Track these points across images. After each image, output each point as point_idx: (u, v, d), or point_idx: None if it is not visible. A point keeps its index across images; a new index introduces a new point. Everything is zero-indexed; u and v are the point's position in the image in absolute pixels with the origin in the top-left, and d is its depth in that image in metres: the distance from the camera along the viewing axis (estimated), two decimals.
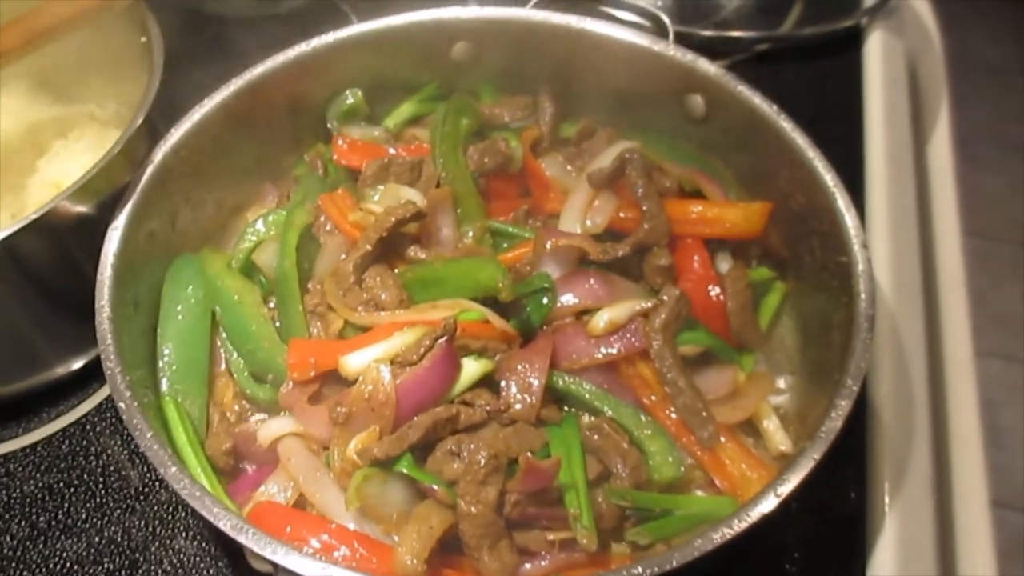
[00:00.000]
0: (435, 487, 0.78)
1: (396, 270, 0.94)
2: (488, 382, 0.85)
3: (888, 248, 1.12)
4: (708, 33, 1.29)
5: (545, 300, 0.90)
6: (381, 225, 0.92)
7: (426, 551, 0.74)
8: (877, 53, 1.35)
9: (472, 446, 0.79)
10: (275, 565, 0.67)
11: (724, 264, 0.97)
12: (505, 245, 0.98)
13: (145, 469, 0.99)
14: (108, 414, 1.04)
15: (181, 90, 0.99)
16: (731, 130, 1.00)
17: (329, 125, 1.07)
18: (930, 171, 1.29)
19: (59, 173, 1.04)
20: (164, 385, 0.87)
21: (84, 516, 0.97)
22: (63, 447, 1.03)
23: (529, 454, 0.78)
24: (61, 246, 0.91)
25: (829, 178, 0.90)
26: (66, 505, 0.98)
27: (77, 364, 1.03)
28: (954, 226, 1.21)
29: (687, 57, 1.00)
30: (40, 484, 1.00)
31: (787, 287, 0.98)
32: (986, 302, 2.74)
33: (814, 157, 0.91)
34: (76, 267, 0.93)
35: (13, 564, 0.95)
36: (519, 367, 0.85)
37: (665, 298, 0.89)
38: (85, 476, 1.00)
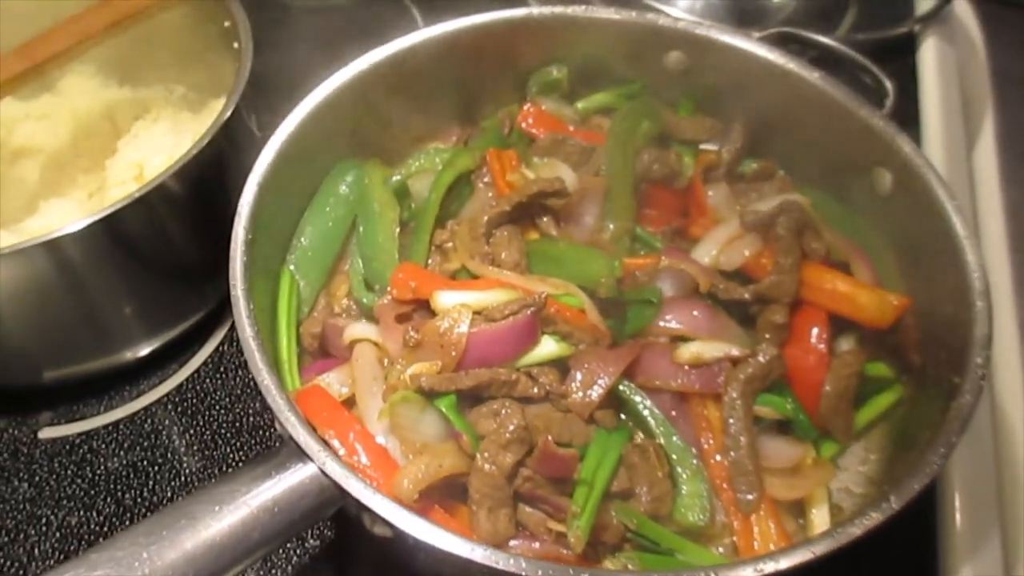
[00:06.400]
0: (463, 434, 0.82)
1: (531, 237, 0.99)
2: (560, 366, 0.87)
3: None
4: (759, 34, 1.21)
5: (647, 313, 0.91)
6: (523, 191, 0.96)
7: (425, 483, 0.78)
8: (932, 60, 1.31)
9: (509, 412, 0.82)
10: (288, 433, 0.74)
11: (845, 345, 0.92)
12: (643, 252, 0.99)
13: (228, 450, 1.02)
14: (189, 394, 1.07)
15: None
16: (909, 217, 0.94)
17: (528, 91, 1.12)
18: (976, 179, 1.21)
19: (140, 155, 1.05)
20: (291, 259, 0.97)
21: (170, 494, 0.99)
22: (146, 425, 1.04)
23: (549, 438, 0.79)
24: (153, 228, 0.95)
25: (980, 298, 0.82)
26: (151, 483, 1.00)
27: (144, 351, 1.06)
28: (1000, 233, 1.15)
29: (889, 130, 0.95)
30: (124, 461, 1.01)
31: (902, 393, 0.91)
32: None
33: (974, 269, 0.84)
34: (163, 252, 0.97)
35: (100, 540, 0.96)
36: (594, 364, 0.86)
37: (760, 354, 0.86)
38: (169, 455, 1.02)
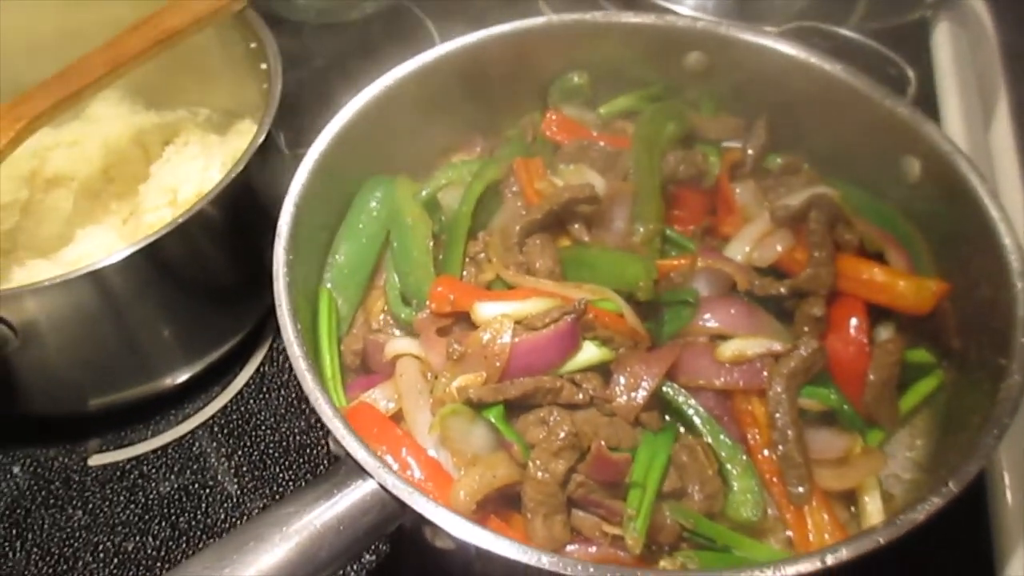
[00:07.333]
0: (514, 443, 0.82)
1: (562, 244, 0.99)
2: (603, 371, 0.88)
3: None
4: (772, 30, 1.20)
5: (684, 313, 0.91)
6: (554, 199, 0.97)
7: (480, 494, 0.79)
8: (946, 44, 1.34)
9: (558, 419, 0.82)
10: (345, 451, 0.75)
11: (884, 333, 0.93)
12: (674, 253, 0.99)
13: (277, 469, 1.02)
14: (234, 416, 1.07)
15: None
16: (940, 203, 0.94)
17: (549, 99, 1.12)
18: (994, 157, 1.24)
19: (173, 179, 1.06)
20: (327, 278, 0.97)
21: (223, 516, 1.00)
22: (193, 448, 1.05)
23: (603, 443, 0.80)
24: (192, 253, 0.95)
25: (1020, 279, 0.83)
26: (203, 505, 1.01)
27: (187, 375, 1.06)
28: (1021, 209, 1.16)
29: (915, 118, 0.96)
30: (175, 485, 1.02)
31: (944, 378, 0.91)
32: None
33: (1011, 251, 0.85)
34: (202, 276, 0.98)
35: (158, 564, 0.98)
36: (636, 367, 0.87)
37: (801, 348, 0.87)
38: (219, 476, 1.02)
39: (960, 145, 0.94)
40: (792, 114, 1.06)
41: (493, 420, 0.83)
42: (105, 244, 1.03)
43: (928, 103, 1.27)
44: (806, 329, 0.90)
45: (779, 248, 0.95)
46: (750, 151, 1.06)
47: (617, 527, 0.81)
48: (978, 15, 1.43)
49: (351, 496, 0.71)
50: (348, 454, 0.74)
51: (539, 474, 0.80)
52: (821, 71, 1.02)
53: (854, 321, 0.91)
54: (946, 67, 1.32)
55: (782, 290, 0.91)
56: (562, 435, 0.81)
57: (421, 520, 0.70)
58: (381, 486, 0.72)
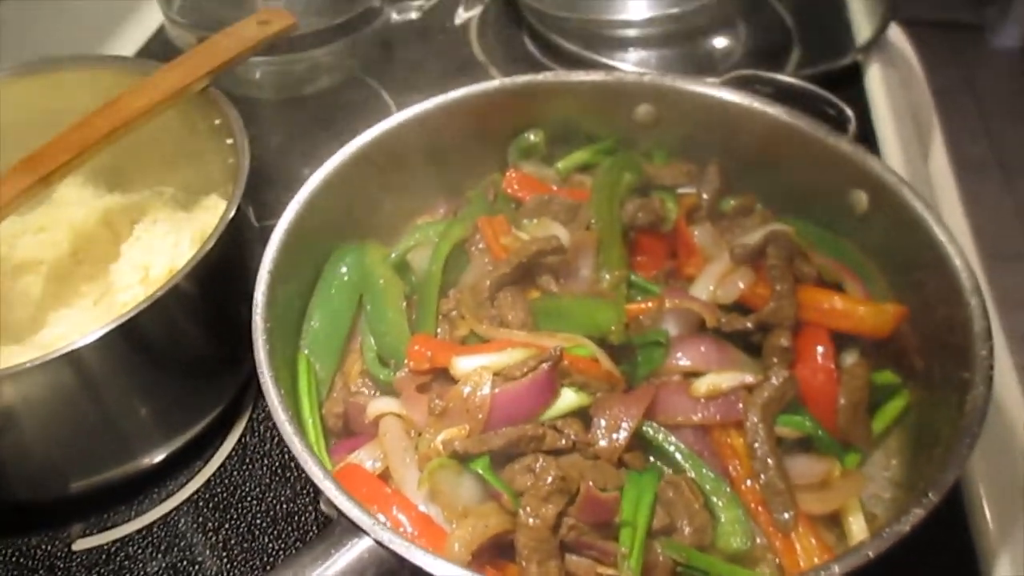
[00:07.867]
0: (503, 493, 0.83)
1: (532, 296, 1.02)
2: (583, 416, 0.89)
3: None
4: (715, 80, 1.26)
5: (656, 354, 0.94)
6: (522, 252, 0.99)
7: (475, 544, 0.79)
8: (879, 85, 1.42)
9: (544, 464, 0.83)
10: (338, 511, 0.75)
11: (850, 358, 0.96)
12: (639, 298, 1.02)
13: (266, 539, 1.01)
14: (218, 489, 1.06)
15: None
16: (889, 232, 0.99)
17: (508, 157, 1.16)
18: (935, 187, 1.33)
19: (145, 258, 1.07)
20: (304, 344, 0.98)
21: None
22: (179, 525, 1.03)
23: (591, 483, 0.81)
24: (168, 329, 0.95)
25: (972, 296, 0.87)
26: None
27: (168, 452, 1.05)
28: (966, 234, 1.24)
29: (858, 153, 1.01)
30: (164, 564, 1.00)
31: (910, 397, 0.95)
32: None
33: (962, 270, 0.89)
34: (179, 351, 0.97)
35: None
36: (614, 409, 0.89)
37: (772, 378, 0.89)
38: (208, 551, 1.00)
39: (903, 175, 1.00)
40: (741, 157, 1.10)
41: (480, 471, 0.83)
42: (78, 326, 1.02)
43: (869, 139, 1.34)
44: (775, 360, 0.93)
45: (741, 285, 0.98)
46: (704, 195, 1.10)
47: (611, 567, 0.82)
48: (905, 56, 1.53)
49: (348, 555, 0.72)
50: (342, 513, 0.74)
51: (530, 520, 0.81)
52: (764, 115, 1.08)
53: (820, 349, 0.94)
54: (882, 104, 1.39)
55: (748, 324, 0.94)
56: (549, 480, 0.82)
57: (420, 573, 0.71)
58: (378, 542, 0.72)
